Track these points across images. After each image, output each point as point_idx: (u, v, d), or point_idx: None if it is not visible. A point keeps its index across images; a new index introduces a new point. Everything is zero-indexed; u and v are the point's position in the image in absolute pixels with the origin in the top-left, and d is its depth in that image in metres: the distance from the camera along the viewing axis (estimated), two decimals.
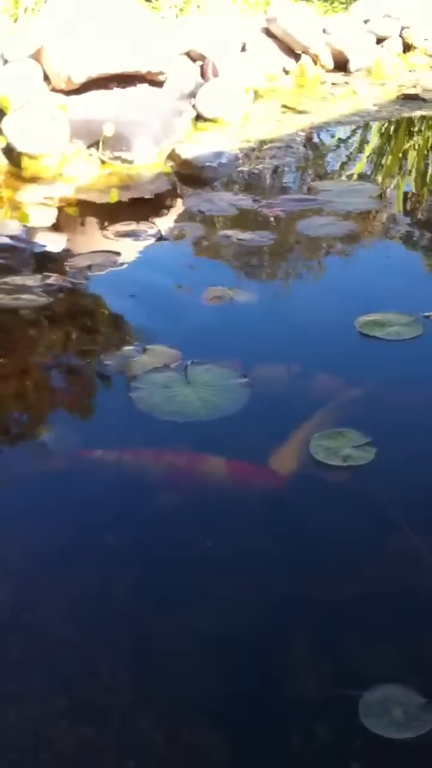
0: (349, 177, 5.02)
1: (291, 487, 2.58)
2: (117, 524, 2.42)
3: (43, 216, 4.46)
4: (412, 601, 2.20)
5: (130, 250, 3.97)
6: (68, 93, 5.03)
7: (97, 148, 4.86)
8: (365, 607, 2.16)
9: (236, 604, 2.15)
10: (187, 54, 5.77)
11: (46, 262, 3.91)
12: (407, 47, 7.03)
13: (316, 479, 2.57)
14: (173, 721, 1.89)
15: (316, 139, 5.59)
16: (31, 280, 3.66)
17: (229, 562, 2.29)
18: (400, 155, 5.56)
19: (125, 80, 5.17)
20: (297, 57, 6.48)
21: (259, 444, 2.70)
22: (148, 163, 4.90)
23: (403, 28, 6.98)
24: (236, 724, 1.89)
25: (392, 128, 5.89)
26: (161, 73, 5.25)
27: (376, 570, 2.26)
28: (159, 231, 4.15)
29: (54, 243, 4.15)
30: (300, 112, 5.89)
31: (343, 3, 7.58)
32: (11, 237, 4.23)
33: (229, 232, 4.14)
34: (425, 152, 5.59)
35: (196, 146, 5.07)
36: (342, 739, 1.86)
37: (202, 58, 5.77)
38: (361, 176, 5.05)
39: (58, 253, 4.03)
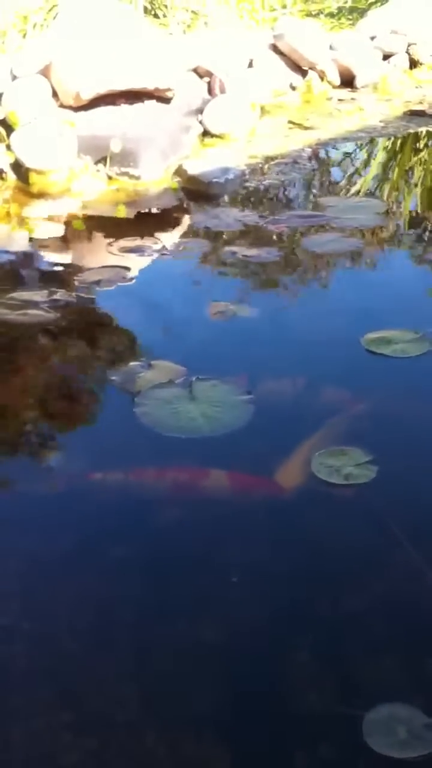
0: (356, 193, 5.04)
1: (292, 504, 2.58)
2: (124, 542, 2.42)
3: (49, 231, 4.49)
4: (416, 618, 2.21)
5: (135, 266, 3.99)
6: (76, 109, 5.06)
7: (105, 164, 4.89)
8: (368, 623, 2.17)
9: (238, 617, 2.17)
10: (195, 70, 5.81)
11: (52, 277, 3.93)
12: (414, 63, 7.05)
13: (317, 497, 2.57)
14: (174, 736, 1.89)
15: (322, 155, 5.61)
16: (38, 296, 3.68)
17: (231, 575, 2.30)
18: (407, 171, 5.57)
19: (133, 96, 5.20)
20: (304, 73, 6.51)
21: (262, 461, 2.71)
22: (155, 178, 4.93)
23: (409, 45, 7.00)
24: (238, 741, 1.89)
25: (398, 144, 5.91)
26: (169, 89, 5.28)
27: (378, 586, 2.27)
28: (164, 246, 4.17)
29: (60, 258, 4.18)
30: (306, 128, 5.91)
31: (349, 19, 7.62)
32: (18, 252, 4.26)
33: (235, 248, 4.16)
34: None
35: (203, 162, 5.09)
36: (345, 758, 1.86)
37: (210, 74, 5.80)
38: (368, 192, 5.06)
39: (64, 268, 4.05)
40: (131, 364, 3.20)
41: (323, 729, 1.91)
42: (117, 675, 2.04)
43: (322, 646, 2.10)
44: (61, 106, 5.09)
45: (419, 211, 4.95)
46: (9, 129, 4.91)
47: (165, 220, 4.63)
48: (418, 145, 5.92)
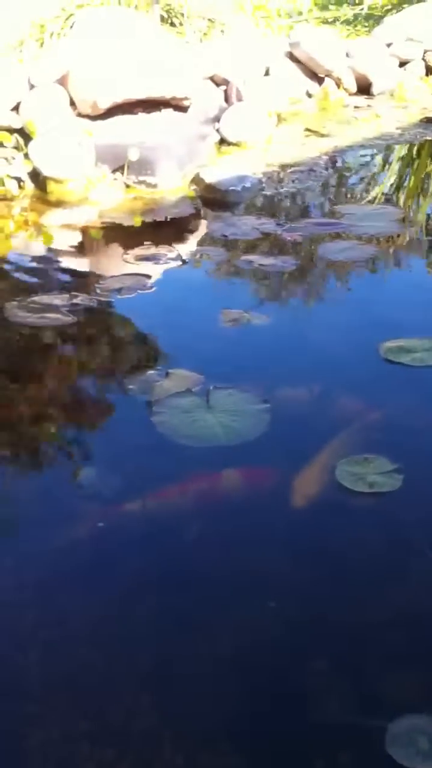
0: (372, 201, 5.03)
1: (314, 513, 2.57)
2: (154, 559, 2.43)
3: (67, 239, 4.51)
4: None
5: (152, 274, 4.00)
6: (94, 118, 5.09)
7: (122, 173, 4.91)
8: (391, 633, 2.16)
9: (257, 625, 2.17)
10: (211, 78, 5.83)
11: (70, 285, 3.94)
12: (430, 70, 7.06)
13: (340, 505, 2.57)
14: (194, 745, 1.89)
15: (339, 163, 5.61)
16: (58, 300, 3.71)
17: (252, 583, 2.30)
18: (424, 178, 5.57)
19: (150, 105, 5.23)
20: (320, 80, 6.53)
21: (280, 470, 2.70)
22: (172, 187, 4.94)
23: (425, 52, 7.01)
24: (259, 752, 1.89)
25: (415, 151, 5.90)
26: (186, 98, 5.30)
27: (400, 596, 2.26)
28: (179, 255, 4.17)
29: (76, 266, 4.19)
30: (323, 136, 5.92)
31: (366, 26, 7.63)
32: (36, 259, 4.28)
33: (251, 257, 4.16)
34: None
35: (220, 170, 5.11)
36: None
37: (226, 82, 5.82)
38: (385, 200, 5.05)
39: (82, 277, 4.06)
40: (149, 372, 3.20)
41: (345, 738, 1.91)
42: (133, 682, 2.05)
43: (344, 655, 2.10)
44: (79, 115, 5.13)
45: None
46: (27, 138, 4.95)
47: (182, 228, 4.64)
48: None
